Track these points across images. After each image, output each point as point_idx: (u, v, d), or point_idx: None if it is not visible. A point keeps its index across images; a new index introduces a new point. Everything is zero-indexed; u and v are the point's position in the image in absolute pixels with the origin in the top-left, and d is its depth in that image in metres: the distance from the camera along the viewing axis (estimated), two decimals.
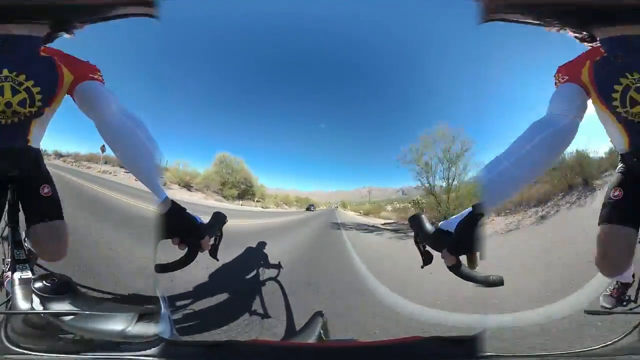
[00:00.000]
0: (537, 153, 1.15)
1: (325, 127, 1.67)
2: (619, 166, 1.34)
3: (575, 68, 1.29)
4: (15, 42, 1.29)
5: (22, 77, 1.27)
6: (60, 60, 1.33)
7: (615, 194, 1.29)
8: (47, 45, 1.36)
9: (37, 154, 1.41)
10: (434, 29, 1.52)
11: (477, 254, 1.02)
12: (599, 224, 1.28)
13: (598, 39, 1.30)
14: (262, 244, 2.21)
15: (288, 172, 1.97)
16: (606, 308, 1.44)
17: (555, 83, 1.32)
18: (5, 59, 1.27)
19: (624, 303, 1.44)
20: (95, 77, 1.36)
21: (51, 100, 1.33)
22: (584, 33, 1.32)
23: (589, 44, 1.33)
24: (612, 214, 1.27)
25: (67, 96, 1.37)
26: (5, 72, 1.26)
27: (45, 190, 1.39)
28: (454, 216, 1.07)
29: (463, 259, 1.04)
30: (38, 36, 1.34)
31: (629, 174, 1.30)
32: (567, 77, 1.29)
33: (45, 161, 1.47)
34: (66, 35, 1.39)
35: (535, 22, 1.35)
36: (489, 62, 1.48)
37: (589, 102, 1.28)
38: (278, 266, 1.83)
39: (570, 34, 1.34)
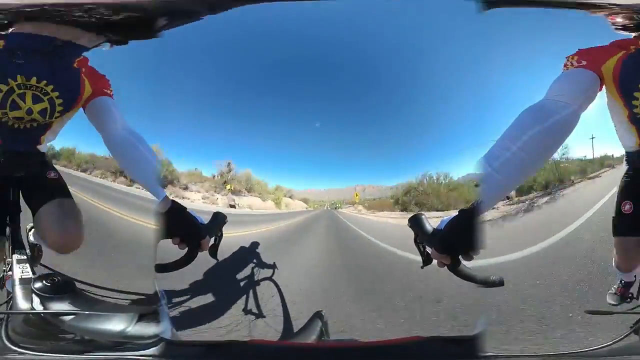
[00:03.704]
0: (532, 150, 1.00)
1: (320, 126, 1.66)
2: (624, 173, 1.34)
3: (600, 55, 1.17)
4: (61, 49, 1.31)
5: (49, 87, 1.29)
6: (86, 73, 1.36)
7: (626, 207, 1.31)
8: (83, 54, 1.38)
9: (44, 159, 1.46)
10: (431, 24, 1.51)
11: (470, 252, 1.00)
12: (614, 236, 1.33)
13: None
14: (262, 245, 2.21)
15: (281, 170, 1.96)
16: (612, 304, 1.48)
17: (566, 65, 1.19)
18: (42, 64, 1.29)
19: (628, 300, 1.48)
20: (108, 92, 1.40)
21: (68, 112, 1.36)
22: (628, 21, 1.21)
23: (626, 33, 1.22)
24: (626, 227, 1.30)
25: None
26: (34, 80, 1.27)
27: (52, 174, 1.41)
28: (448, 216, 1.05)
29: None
30: (85, 46, 1.36)
31: (635, 180, 1.30)
32: (584, 63, 1.16)
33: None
34: (107, 48, 1.42)
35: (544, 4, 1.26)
36: (490, 56, 1.46)
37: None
38: (274, 266, 1.84)
39: (613, 19, 1.23)
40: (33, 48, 1.27)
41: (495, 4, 1.22)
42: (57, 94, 1.30)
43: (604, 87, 1.20)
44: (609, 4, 1.20)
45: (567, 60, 1.19)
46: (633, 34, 1.22)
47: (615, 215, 1.34)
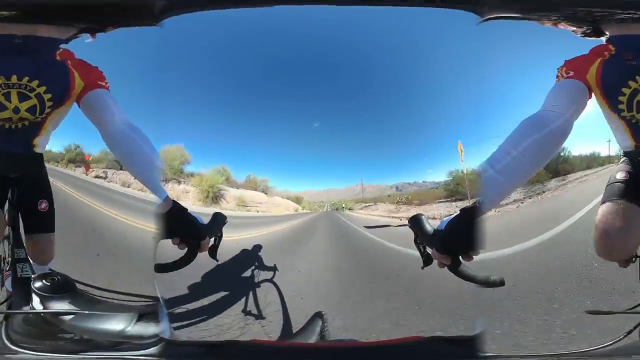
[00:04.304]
0: (531, 155, 1.07)
1: (319, 126, 1.66)
2: (622, 158, 1.32)
3: (583, 65, 1.23)
4: (36, 44, 1.28)
5: (34, 83, 1.27)
6: (73, 65, 1.32)
7: (622, 175, 1.27)
8: (62, 47, 1.34)
9: (40, 159, 1.43)
10: (431, 29, 1.51)
11: (471, 252, 1.00)
12: (602, 203, 1.26)
13: (608, 34, 1.24)
14: (261, 246, 2.20)
15: (280, 171, 1.95)
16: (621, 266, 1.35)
17: (557, 77, 1.26)
18: (20, 62, 1.27)
19: (633, 260, 1.33)
20: (103, 84, 1.35)
21: (59, 107, 1.34)
22: (586, 28, 1.27)
23: (594, 39, 1.27)
24: (619, 190, 1.24)
25: None
26: (14, 78, 1.25)
27: (43, 205, 1.43)
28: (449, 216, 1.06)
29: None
30: (59, 38, 1.32)
31: (632, 163, 1.28)
32: (572, 73, 1.23)
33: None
34: (90, 39, 1.37)
35: (532, 17, 1.30)
36: (488, 60, 1.47)
37: (590, 101, 1.24)
38: (274, 268, 1.84)
39: (569, 28, 1.28)
40: (1, 48, 1.25)
41: (491, 17, 1.27)
42: (44, 88, 1.27)
43: (593, 94, 1.25)
44: (562, 17, 1.27)
45: (558, 71, 1.26)
46: (603, 38, 1.26)
47: (608, 184, 1.29)
